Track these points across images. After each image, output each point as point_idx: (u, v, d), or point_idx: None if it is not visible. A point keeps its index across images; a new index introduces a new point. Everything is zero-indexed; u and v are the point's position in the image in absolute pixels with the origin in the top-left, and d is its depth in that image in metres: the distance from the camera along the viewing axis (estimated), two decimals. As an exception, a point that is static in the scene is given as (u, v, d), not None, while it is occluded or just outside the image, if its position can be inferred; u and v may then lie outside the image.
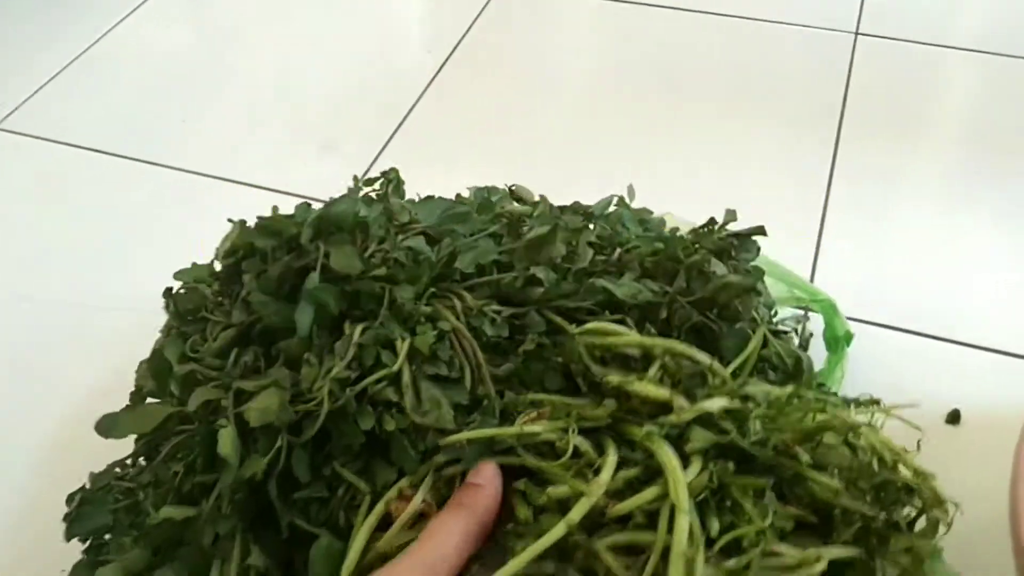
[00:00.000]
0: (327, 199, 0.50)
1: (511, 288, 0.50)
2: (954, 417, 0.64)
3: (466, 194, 0.64)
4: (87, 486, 0.50)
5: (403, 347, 0.43)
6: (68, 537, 0.47)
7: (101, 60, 1.04)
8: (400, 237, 0.51)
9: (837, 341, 0.68)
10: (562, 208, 0.66)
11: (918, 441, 0.45)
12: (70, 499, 0.48)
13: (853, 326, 0.67)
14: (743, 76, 0.98)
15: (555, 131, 0.90)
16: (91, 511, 0.47)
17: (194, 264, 0.57)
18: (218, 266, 0.57)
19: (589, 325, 0.48)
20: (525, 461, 0.42)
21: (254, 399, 0.43)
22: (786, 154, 0.88)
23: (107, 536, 0.48)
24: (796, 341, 0.62)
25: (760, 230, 0.63)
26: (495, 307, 0.49)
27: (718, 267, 0.56)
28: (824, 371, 0.66)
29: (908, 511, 0.43)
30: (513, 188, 0.66)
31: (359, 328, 0.44)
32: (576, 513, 0.38)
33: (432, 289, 0.48)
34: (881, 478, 0.43)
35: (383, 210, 0.51)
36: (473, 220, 0.53)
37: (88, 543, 0.48)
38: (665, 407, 0.45)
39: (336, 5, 1.14)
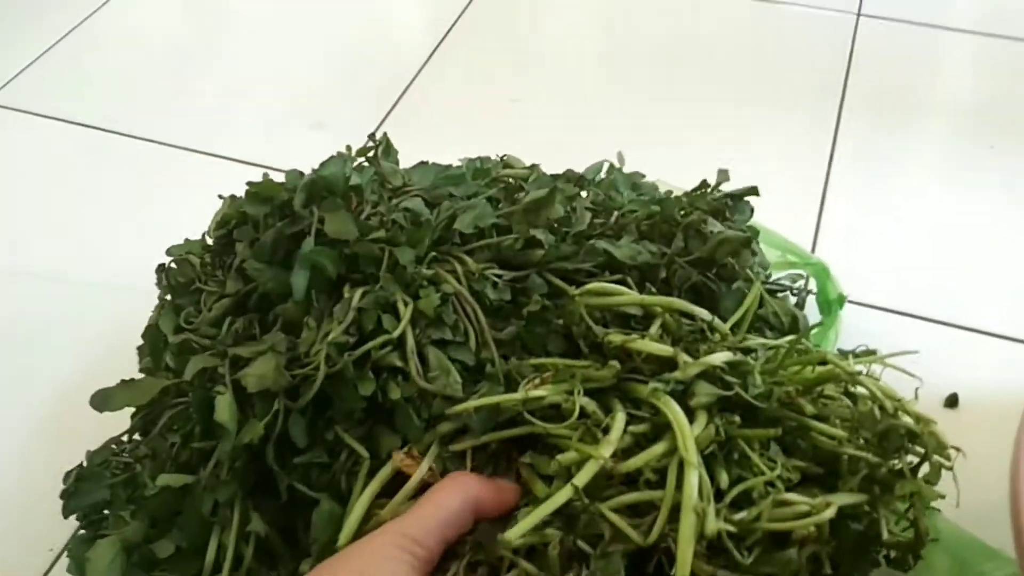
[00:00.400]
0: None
1: (511, 251, 0.48)
2: (952, 401, 0.63)
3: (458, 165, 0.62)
4: (84, 464, 0.48)
5: (406, 311, 0.42)
6: (66, 513, 0.45)
7: (92, 36, 1.02)
8: (395, 200, 0.49)
9: (830, 305, 0.67)
10: (554, 176, 0.65)
11: (916, 389, 0.44)
12: (67, 477, 0.46)
13: (852, 308, 0.65)
14: (746, 56, 0.97)
15: (551, 112, 0.88)
16: (89, 487, 0.45)
17: (186, 240, 0.55)
18: (210, 240, 0.55)
19: (589, 286, 0.46)
20: (533, 427, 0.41)
21: (251, 365, 0.41)
22: (788, 133, 0.86)
23: (105, 512, 0.46)
24: (792, 300, 0.60)
25: (753, 190, 0.61)
26: (496, 271, 0.47)
27: (715, 226, 0.54)
28: (818, 334, 0.65)
29: (911, 459, 0.42)
30: (504, 157, 0.65)
31: (359, 292, 0.42)
32: (582, 477, 0.37)
33: (432, 252, 0.46)
34: (884, 426, 0.42)
35: (375, 174, 0.49)
36: (468, 184, 0.51)
37: (86, 519, 0.46)
38: (668, 364, 0.44)
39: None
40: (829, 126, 0.86)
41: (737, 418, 0.41)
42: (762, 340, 0.47)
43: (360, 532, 0.40)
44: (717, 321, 0.46)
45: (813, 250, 0.74)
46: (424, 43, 1.00)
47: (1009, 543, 0.42)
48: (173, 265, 0.52)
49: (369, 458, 0.40)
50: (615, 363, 0.43)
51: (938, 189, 0.78)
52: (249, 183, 0.48)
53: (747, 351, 0.46)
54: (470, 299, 0.44)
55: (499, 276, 0.47)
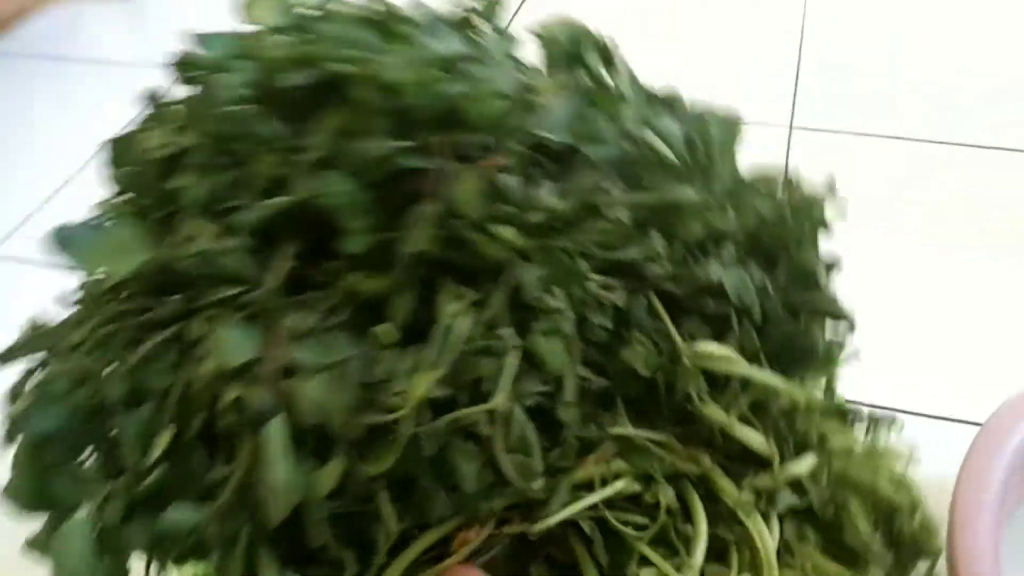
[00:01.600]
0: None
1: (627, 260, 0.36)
2: None
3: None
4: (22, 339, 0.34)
5: (508, 365, 0.30)
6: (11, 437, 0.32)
7: (85, 185, 0.91)
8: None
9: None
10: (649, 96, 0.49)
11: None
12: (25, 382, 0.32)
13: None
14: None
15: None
16: (46, 407, 0.31)
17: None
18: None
19: (706, 349, 0.37)
20: (610, 524, 0.33)
21: (310, 378, 0.29)
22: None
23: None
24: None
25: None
26: (605, 282, 0.35)
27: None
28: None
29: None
30: None
31: (464, 323, 0.30)
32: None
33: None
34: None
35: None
36: (609, 144, 0.37)
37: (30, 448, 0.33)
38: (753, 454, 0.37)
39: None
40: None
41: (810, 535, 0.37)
42: (843, 438, 0.41)
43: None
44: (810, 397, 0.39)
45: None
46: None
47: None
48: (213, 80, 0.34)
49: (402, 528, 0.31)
50: (706, 459, 0.36)
51: (871, 279, 0.74)
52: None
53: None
54: (577, 339, 0.33)
55: (607, 289, 0.35)
